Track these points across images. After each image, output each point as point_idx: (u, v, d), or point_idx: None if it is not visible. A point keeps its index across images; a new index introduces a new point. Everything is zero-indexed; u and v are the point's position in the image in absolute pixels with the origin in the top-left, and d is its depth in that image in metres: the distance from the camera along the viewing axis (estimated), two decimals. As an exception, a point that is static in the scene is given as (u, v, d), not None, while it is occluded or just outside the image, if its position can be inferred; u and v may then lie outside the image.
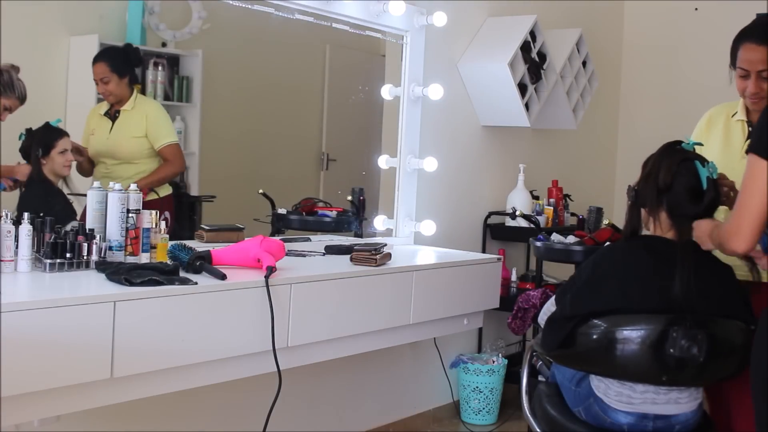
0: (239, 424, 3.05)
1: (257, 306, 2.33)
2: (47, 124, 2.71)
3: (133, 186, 2.45)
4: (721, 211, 2.40)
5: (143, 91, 3.17)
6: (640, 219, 2.43)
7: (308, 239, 3.28)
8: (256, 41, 3.50)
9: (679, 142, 2.39)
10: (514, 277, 4.25)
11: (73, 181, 2.79)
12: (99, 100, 2.93)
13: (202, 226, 2.97)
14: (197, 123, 3.31)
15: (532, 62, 4.08)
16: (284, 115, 3.74)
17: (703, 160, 2.32)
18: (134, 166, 2.93)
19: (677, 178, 2.31)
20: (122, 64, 2.87)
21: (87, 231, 2.32)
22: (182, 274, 2.30)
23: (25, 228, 2.20)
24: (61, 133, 2.72)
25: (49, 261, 2.23)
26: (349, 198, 3.47)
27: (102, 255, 2.34)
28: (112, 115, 2.89)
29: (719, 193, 2.33)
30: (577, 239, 3.59)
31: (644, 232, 2.45)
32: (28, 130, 2.65)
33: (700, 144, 2.41)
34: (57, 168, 2.70)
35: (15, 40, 2.60)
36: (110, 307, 2.00)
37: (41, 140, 2.66)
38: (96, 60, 2.83)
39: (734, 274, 2.35)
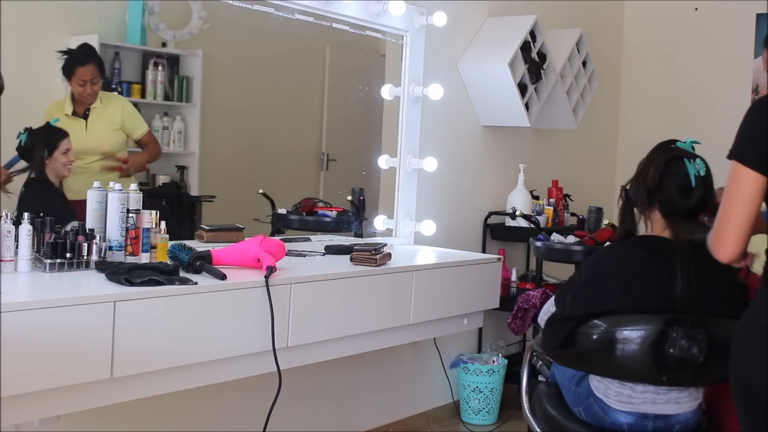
0: (239, 424, 3.05)
1: (257, 306, 2.33)
2: (48, 124, 2.71)
3: (133, 186, 2.45)
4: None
5: (143, 92, 3.18)
6: (634, 219, 2.43)
7: (308, 239, 3.28)
8: (256, 41, 3.50)
9: (673, 141, 2.39)
10: (514, 277, 4.25)
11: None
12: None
13: (202, 226, 2.98)
14: (197, 123, 3.32)
15: (532, 62, 4.08)
16: (284, 114, 3.74)
17: (692, 157, 2.32)
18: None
19: (666, 177, 2.31)
20: (104, 66, 2.91)
21: (87, 231, 2.32)
22: (182, 274, 2.30)
23: (25, 228, 2.20)
24: (63, 134, 2.71)
25: (49, 261, 2.23)
26: (349, 198, 3.47)
27: (102, 255, 2.34)
28: (82, 113, 2.88)
29: (709, 190, 2.33)
30: (577, 239, 3.60)
31: (641, 231, 2.45)
32: (29, 130, 2.65)
33: (698, 142, 2.41)
34: (59, 168, 2.70)
35: (15, 40, 2.60)
36: (110, 307, 2.00)
37: (45, 140, 2.66)
38: (86, 61, 2.81)
39: (734, 272, 2.34)
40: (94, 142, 2.89)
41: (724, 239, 1.91)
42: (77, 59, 2.81)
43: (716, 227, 1.95)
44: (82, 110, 2.88)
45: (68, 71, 2.81)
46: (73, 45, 2.85)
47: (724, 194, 1.94)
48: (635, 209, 2.42)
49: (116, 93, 3.06)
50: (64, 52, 2.79)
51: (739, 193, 1.88)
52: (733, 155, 1.91)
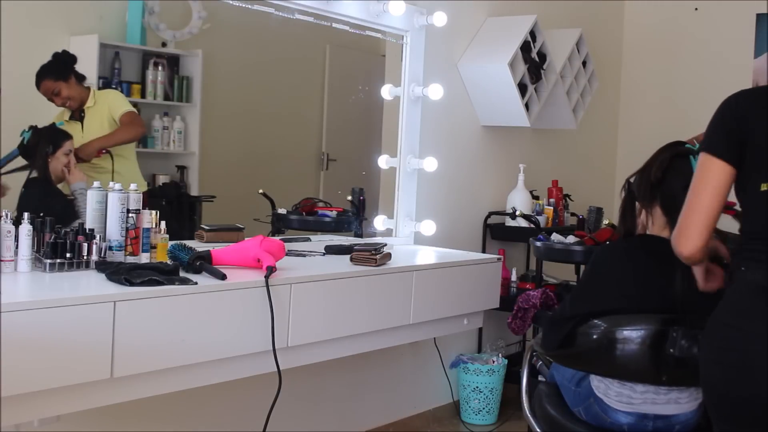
0: (239, 424, 3.05)
1: (257, 306, 2.33)
2: (53, 125, 2.72)
3: (133, 186, 2.45)
4: None
5: (143, 92, 3.18)
6: (634, 214, 2.43)
7: (308, 239, 3.28)
8: (256, 41, 3.50)
9: (682, 143, 2.39)
10: (514, 277, 4.25)
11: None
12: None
13: (202, 226, 2.98)
14: (197, 123, 3.32)
15: (532, 62, 4.08)
16: (284, 114, 3.74)
17: (697, 155, 2.32)
18: (114, 156, 2.95)
19: (669, 173, 2.32)
20: (60, 70, 2.85)
21: (87, 231, 2.32)
22: (182, 274, 2.30)
23: (25, 228, 2.20)
24: (68, 136, 2.75)
25: (49, 261, 2.23)
26: (349, 198, 3.47)
27: (102, 255, 2.34)
28: (78, 116, 2.88)
29: None
30: (577, 239, 3.59)
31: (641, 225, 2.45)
32: (34, 128, 2.66)
33: None
34: (59, 168, 2.71)
35: (15, 40, 2.61)
36: (110, 307, 2.00)
37: (50, 138, 2.68)
38: (37, 81, 2.77)
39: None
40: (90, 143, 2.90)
41: (689, 232, 1.94)
42: (36, 79, 2.78)
43: (680, 221, 1.97)
44: (78, 113, 2.88)
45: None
46: (73, 45, 2.85)
47: (690, 188, 1.97)
48: (637, 203, 2.42)
49: (110, 89, 3.05)
50: None
51: (707, 183, 1.92)
52: (702, 147, 1.97)
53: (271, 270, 2.37)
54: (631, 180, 2.44)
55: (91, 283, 2.18)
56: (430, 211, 3.77)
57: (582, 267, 3.55)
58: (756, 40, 4.96)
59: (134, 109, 3.02)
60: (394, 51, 3.64)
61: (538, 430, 2.58)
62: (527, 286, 4.11)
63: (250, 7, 3.02)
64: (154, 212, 2.46)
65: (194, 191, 3.30)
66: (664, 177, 2.32)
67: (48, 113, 2.79)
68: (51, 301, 1.92)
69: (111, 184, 2.43)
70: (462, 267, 3.21)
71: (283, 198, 3.38)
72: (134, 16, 3.10)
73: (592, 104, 4.78)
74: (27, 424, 2.14)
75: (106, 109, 2.94)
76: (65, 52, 2.84)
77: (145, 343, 2.09)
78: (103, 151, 2.89)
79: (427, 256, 3.37)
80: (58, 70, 2.83)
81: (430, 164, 3.61)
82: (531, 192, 4.25)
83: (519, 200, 4.17)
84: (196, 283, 2.22)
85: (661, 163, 2.33)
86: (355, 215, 3.44)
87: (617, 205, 2.50)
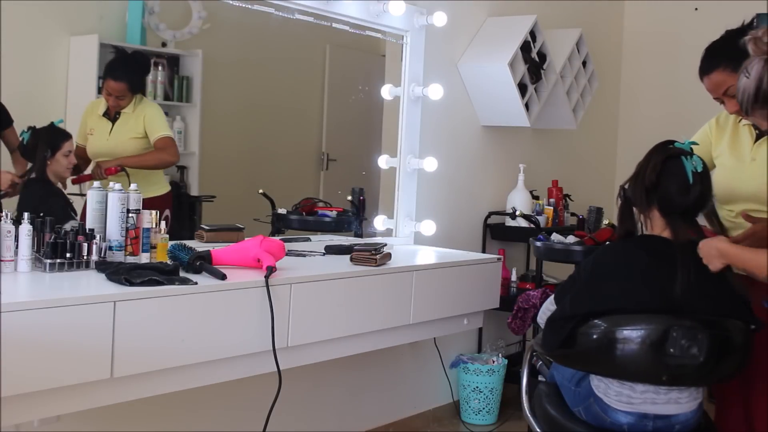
0: (239, 424, 3.05)
1: (257, 306, 2.33)
2: (52, 125, 2.71)
3: (133, 186, 2.45)
4: None
5: (143, 92, 3.18)
6: (633, 218, 2.43)
7: (308, 239, 3.28)
8: (256, 41, 3.50)
9: (671, 142, 2.39)
10: (514, 277, 4.25)
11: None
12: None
13: (202, 226, 2.98)
14: (197, 123, 3.31)
15: (532, 62, 4.08)
16: (284, 114, 3.74)
17: (689, 155, 2.32)
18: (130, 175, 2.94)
19: (663, 176, 2.31)
20: (140, 83, 2.91)
21: (87, 231, 2.32)
22: (182, 274, 2.30)
23: (25, 228, 2.20)
24: (66, 135, 2.73)
25: (49, 261, 2.23)
26: (349, 198, 3.47)
27: (102, 255, 2.34)
28: (112, 116, 2.89)
29: (707, 187, 2.33)
30: (577, 239, 3.59)
31: (640, 231, 2.45)
32: (32, 129, 2.65)
33: (696, 143, 2.42)
34: (60, 170, 2.71)
35: (15, 40, 2.61)
36: (110, 307, 2.00)
37: (48, 141, 2.67)
38: (119, 78, 2.82)
39: (733, 273, 2.35)
40: (113, 146, 2.91)
41: None
42: (114, 71, 2.82)
43: None
44: (113, 113, 2.89)
45: (104, 75, 2.81)
46: (73, 45, 2.85)
47: None
48: (634, 209, 2.42)
49: (150, 100, 3.06)
50: (115, 49, 2.80)
51: None
52: None
53: (271, 270, 2.38)
54: (626, 187, 2.43)
55: (91, 283, 2.18)
56: (430, 211, 3.77)
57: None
58: (756, 40, 4.95)
59: (172, 134, 3.04)
60: (394, 51, 3.64)
61: (538, 430, 2.57)
62: (527, 286, 4.11)
63: (250, 7, 3.02)
64: (154, 212, 2.47)
65: (194, 191, 3.30)
66: (659, 181, 2.32)
67: (47, 113, 2.79)
68: (51, 301, 1.92)
69: (111, 184, 2.43)
70: (462, 267, 3.21)
71: (283, 198, 3.38)
72: (134, 16, 3.10)
73: (592, 104, 4.77)
74: (27, 424, 2.15)
75: (141, 119, 2.95)
76: (148, 65, 2.91)
77: (145, 343, 2.09)
78: (119, 169, 2.86)
79: (427, 256, 3.37)
80: (139, 84, 2.89)
81: (430, 164, 3.61)
82: (531, 192, 4.25)
83: (519, 200, 4.17)
84: (196, 283, 2.22)
85: (654, 167, 2.32)
86: (355, 215, 3.44)
87: (616, 204, 2.50)
